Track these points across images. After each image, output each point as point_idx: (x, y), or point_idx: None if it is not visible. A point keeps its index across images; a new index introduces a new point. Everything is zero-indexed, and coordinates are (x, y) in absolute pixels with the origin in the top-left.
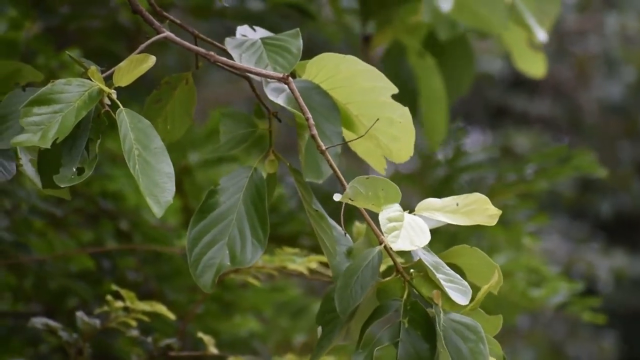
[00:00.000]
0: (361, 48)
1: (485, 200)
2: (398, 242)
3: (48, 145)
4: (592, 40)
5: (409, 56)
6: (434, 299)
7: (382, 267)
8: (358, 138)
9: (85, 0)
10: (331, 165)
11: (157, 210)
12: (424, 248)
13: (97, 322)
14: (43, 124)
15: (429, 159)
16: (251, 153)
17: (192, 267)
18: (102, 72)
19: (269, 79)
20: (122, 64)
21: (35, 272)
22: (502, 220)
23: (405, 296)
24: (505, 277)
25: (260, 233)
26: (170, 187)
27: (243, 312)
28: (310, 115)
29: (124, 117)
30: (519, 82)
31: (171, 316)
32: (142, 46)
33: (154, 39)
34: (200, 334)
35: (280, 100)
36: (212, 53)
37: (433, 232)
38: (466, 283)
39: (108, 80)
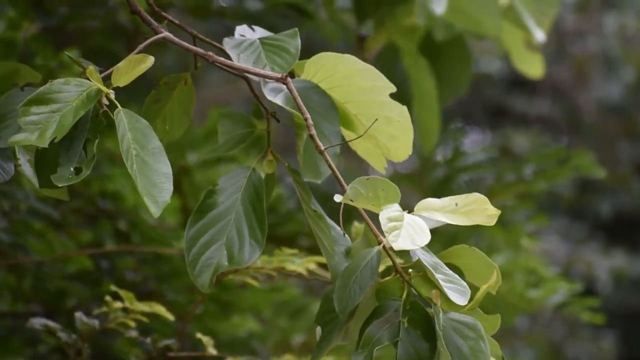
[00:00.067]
0: (356, 49)
1: (485, 200)
2: (399, 241)
3: (45, 144)
4: (591, 40)
5: (403, 58)
6: (433, 299)
7: (381, 268)
8: (357, 138)
9: (83, 0)
10: (330, 166)
11: (155, 210)
12: (422, 248)
13: (96, 323)
14: (41, 123)
15: (428, 159)
16: (249, 153)
17: (190, 267)
18: (101, 72)
19: (267, 79)
20: (120, 64)
21: (34, 272)
22: (501, 221)
23: (404, 296)
24: (504, 278)
25: (259, 233)
26: (168, 187)
27: (242, 313)
28: (308, 116)
29: (122, 117)
30: (518, 82)
31: (170, 317)
32: (141, 46)
33: (152, 39)
34: (199, 335)
35: (278, 100)
36: (210, 53)
37: (432, 232)
38: (465, 283)
39: (106, 81)
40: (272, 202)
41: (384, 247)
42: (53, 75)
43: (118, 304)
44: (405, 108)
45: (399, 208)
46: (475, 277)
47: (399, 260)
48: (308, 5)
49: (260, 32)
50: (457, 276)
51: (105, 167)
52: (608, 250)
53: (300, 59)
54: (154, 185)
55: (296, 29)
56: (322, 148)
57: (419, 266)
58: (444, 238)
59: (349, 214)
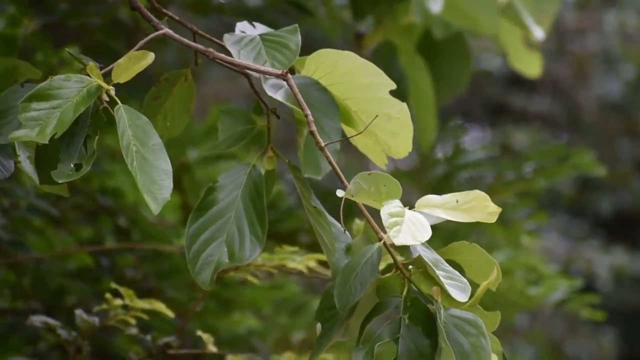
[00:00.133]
0: (353, 46)
1: (485, 197)
2: (400, 236)
3: (46, 140)
4: (591, 38)
5: (400, 56)
6: (434, 296)
7: (382, 265)
8: (356, 135)
9: None
10: (330, 162)
11: (155, 207)
12: (423, 244)
13: (96, 320)
14: (41, 120)
15: (428, 156)
16: (250, 150)
17: (191, 264)
18: (101, 68)
19: (267, 75)
20: (121, 60)
21: (33, 270)
22: (501, 219)
23: (405, 292)
24: (504, 275)
25: (259, 230)
26: (168, 184)
27: (242, 310)
28: (309, 112)
29: (122, 113)
30: (518, 80)
31: (170, 314)
32: (141, 43)
33: (152, 35)
34: (199, 332)
35: (279, 96)
36: (211, 50)
37: (432, 229)
38: (465, 280)
39: (107, 77)
40: (273, 198)
41: (384, 243)
42: (53, 71)
43: (118, 302)
44: (405, 105)
45: (400, 204)
46: (476, 274)
47: (399, 257)
48: (308, 2)
49: (260, 28)
50: (457, 273)
51: (106, 163)
52: (608, 247)
53: (300, 55)
54: (154, 182)
55: (296, 25)
56: (323, 144)
57: (419, 263)
58: (444, 235)
59: (350, 211)
